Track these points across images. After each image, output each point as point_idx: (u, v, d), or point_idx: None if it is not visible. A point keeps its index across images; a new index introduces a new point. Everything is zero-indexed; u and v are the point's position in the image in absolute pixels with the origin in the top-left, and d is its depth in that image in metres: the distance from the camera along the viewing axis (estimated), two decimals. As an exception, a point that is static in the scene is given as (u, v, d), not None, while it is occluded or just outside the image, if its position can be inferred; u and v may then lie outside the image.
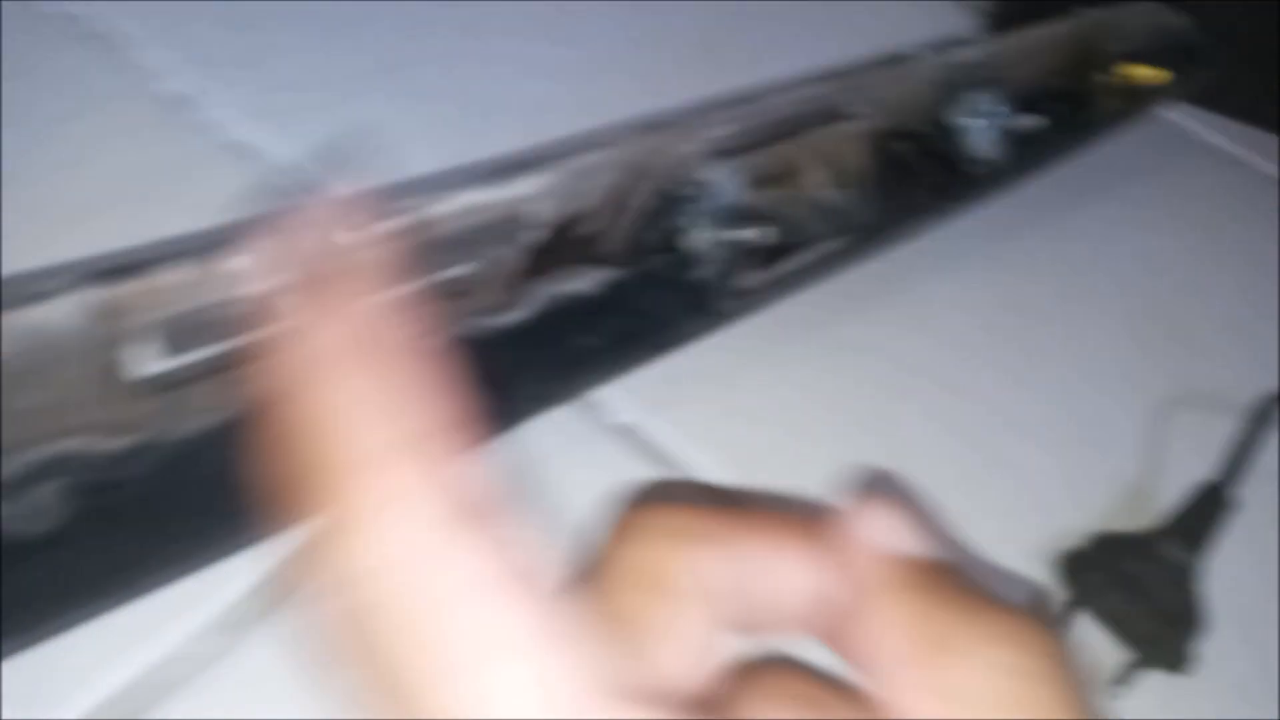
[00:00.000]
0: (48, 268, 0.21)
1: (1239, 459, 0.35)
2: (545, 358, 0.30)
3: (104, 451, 0.24)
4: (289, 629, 0.25)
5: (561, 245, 0.31)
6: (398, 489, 0.14)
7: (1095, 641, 0.31)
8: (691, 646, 0.16)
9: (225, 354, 0.25)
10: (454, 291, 0.30)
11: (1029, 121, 0.40)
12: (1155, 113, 0.51)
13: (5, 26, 0.36)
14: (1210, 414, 0.39)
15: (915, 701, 0.15)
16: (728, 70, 0.44)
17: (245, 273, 0.23)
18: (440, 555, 0.13)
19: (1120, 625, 0.30)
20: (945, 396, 0.37)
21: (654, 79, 0.44)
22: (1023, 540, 0.33)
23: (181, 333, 0.23)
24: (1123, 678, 0.29)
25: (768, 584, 0.17)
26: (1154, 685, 0.30)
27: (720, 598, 0.16)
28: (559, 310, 0.32)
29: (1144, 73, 0.46)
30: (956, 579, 0.16)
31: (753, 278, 0.33)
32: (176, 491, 0.24)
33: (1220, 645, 0.31)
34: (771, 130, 0.33)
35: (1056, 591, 0.31)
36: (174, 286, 0.22)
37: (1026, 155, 0.42)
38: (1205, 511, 0.33)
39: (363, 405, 0.14)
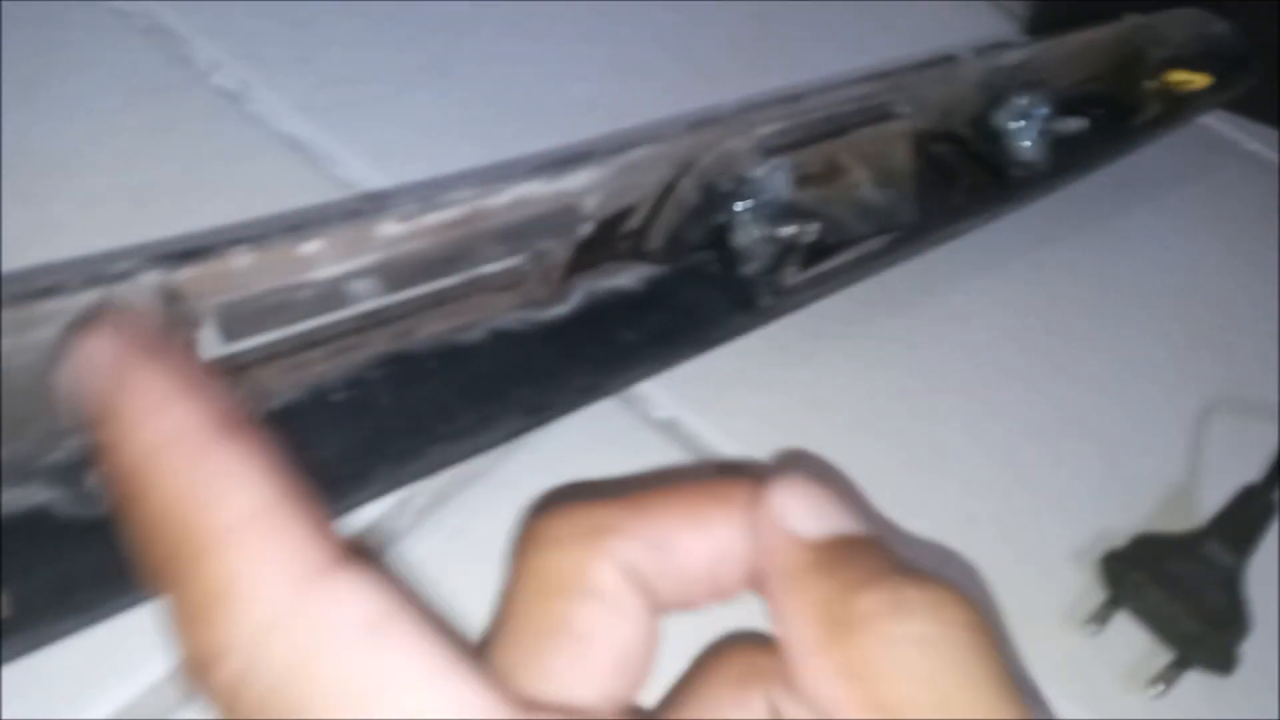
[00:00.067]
0: (115, 251, 0.22)
1: (1281, 463, 0.35)
2: (588, 352, 0.30)
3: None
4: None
5: (607, 240, 0.31)
6: (258, 557, 0.13)
7: (1136, 640, 0.31)
8: (631, 642, 0.16)
9: (280, 340, 0.26)
10: (502, 285, 0.30)
11: (1071, 125, 0.40)
12: (1195, 119, 0.51)
13: (65, 22, 0.37)
14: (1250, 419, 0.39)
15: (823, 684, 0.14)
16: (771, 71, 0.44)
17: (309, 258, 0.23)
18: (316, 612, 0.13)
19: (1162, 624, 0.30)
20: (986, 397, 0.37)
21: (700, 79, 0.44)
22: (1064, 541, 0.33)
23: (241, 318, 0.23)
24: (1166, 676, 0.29)
25: (693, 555, 0.16)
26: (1193, 685, 0.30)
27: (649, 583, 0.16)
28: (602, 305, 0.32)
29: (1185, 78, 0.46)
30: (872, 555, 0.15)
31: (796, 275, 0.33)
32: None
33: (1260, 646, 0.31)
34: (818, 129, 0.33)
35: (1098, 590, 0.31)
36: (238, 272, 0.22)
37: (1068, 159, 0.42)
38: (1248, 514, 0.33)
39: (206, 485, 0.14)
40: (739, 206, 0.32)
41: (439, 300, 0.29)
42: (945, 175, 0.40)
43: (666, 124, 0.30)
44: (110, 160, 0.33)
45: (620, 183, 0.29)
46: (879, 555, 0.16)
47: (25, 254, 0.30)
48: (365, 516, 0.27)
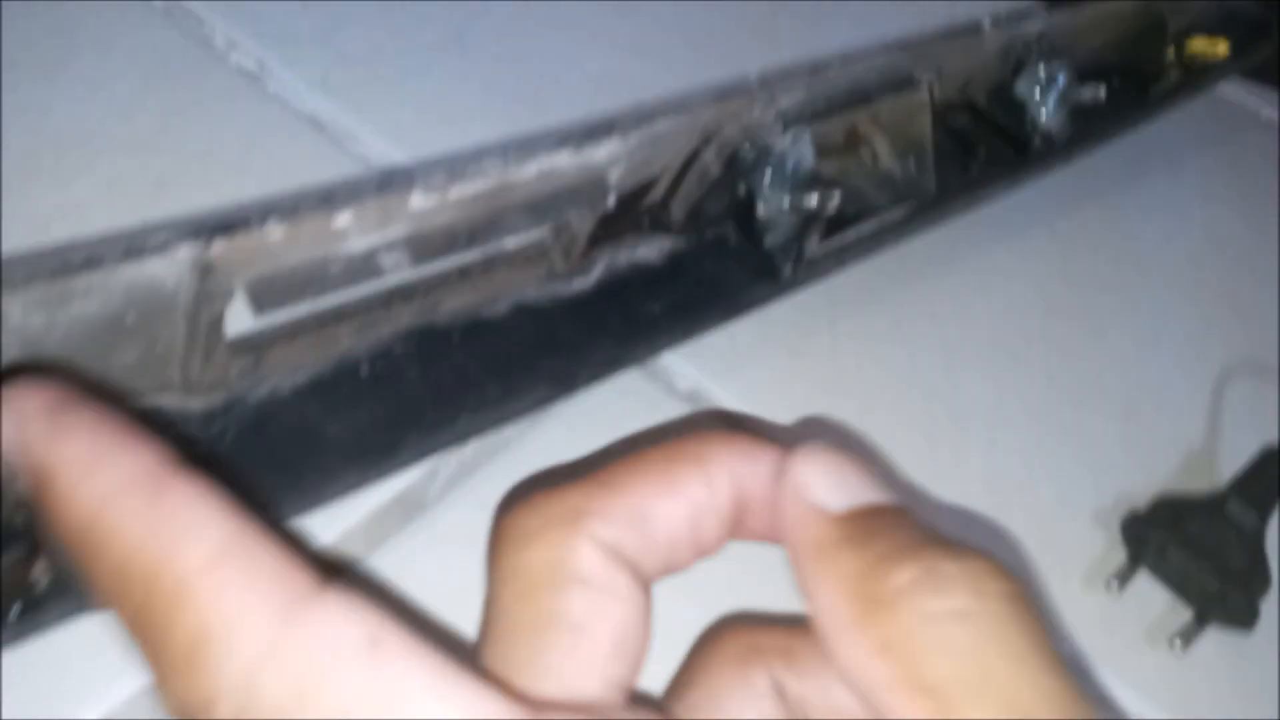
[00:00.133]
0: (150, 225, 0.22)
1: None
2: (611, 324, 0.31)
3: (190, 410, 0.25)
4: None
5: (628, 213, 0.31)
6: (236, 594, 0.13)
7: (1157, 599, 0.31)
8: (625, 621, 0.15)
9: (308, 315, 0.26)
10: (525, 259, 0.30)
11: (1091, 93, 0.40)
12: (1214, 88, 0.50)
13: (84, 4, 0.37)
14: (1268, 383, 0.39)
15: (860, 662, 0.14)
16: (789, 45, 0.44)
17: (340, 231, 0.23)
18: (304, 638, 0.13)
19: (1182, 583, 0.30)
20: (1007, 364, 0.37)
21: (717, 54, 0.44)
22: (1086, 504, 0.33)
23: (272, 291, 0.24)
24: (1187, 633, 0.30)
25: (671, 520, 0.16)
26: (1213, 642, 0.30)
27: (632, 557, 0.16)
28: (624, 278, 0.32)
29: (1205, 46, 0.46)
30: (902, 526, 0.15)
31: (817, 245, 0.33)
32: (255, 450, 0.25)
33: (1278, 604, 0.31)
34: (839, 99, 0.33)
35: (1120, 551, 0.32)
36: (271, 244, 0.23)
37: (1088, 128, 0.42)
38: (1268, 475, 0.33)
39: (166, 530, 0.13)
40: (761, 177, 0.32)
41: (463, 275, 0.29)
42: (965, 146, 0.40)
43: (689, 95, 0.30)
44: (132, 140, 0.33)
45: (644, 154, 0.29)
46: (910, 527, 0.15)
47: (52, 232, 0.30)
48: (394, 486, 0.27)
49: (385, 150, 0.36)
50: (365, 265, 0.24)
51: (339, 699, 0.13)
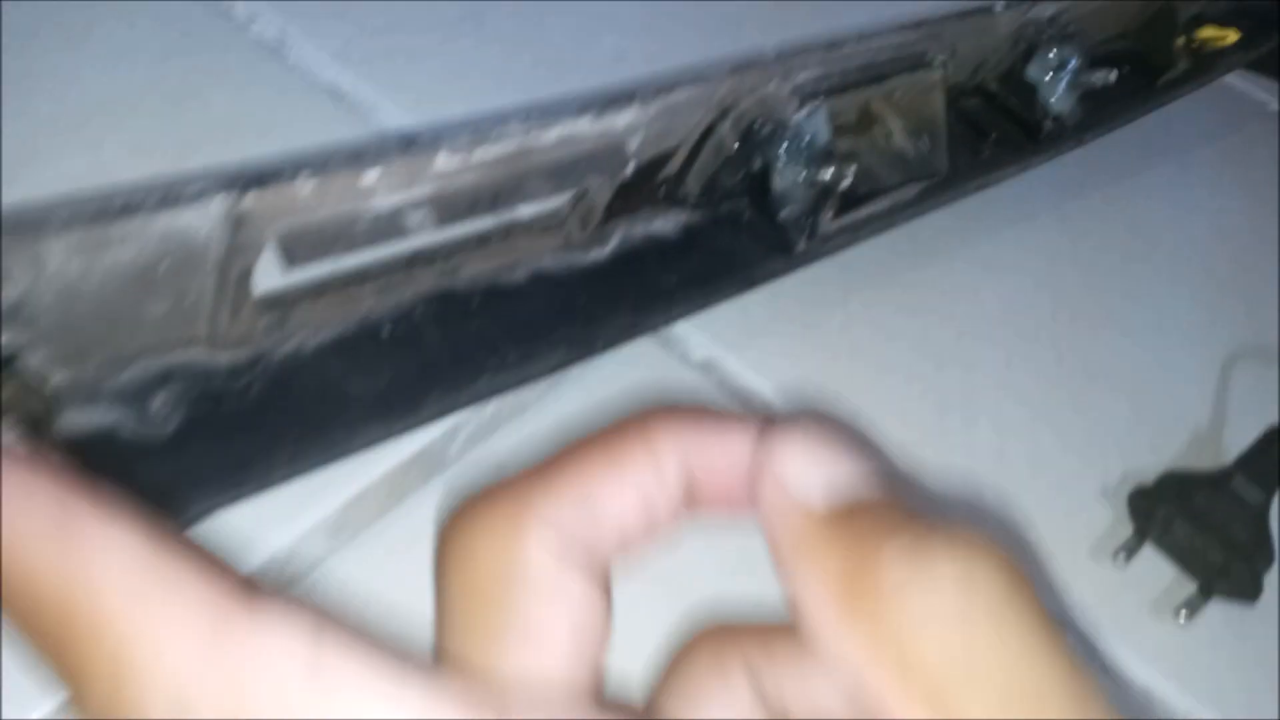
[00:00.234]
0: (185, 176, 0.22)
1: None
2: (627, 294, 0.31)
3: (219, 363, 0.25)
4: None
5: (644, 186, 0.31)
6: (160, 613, 0.12)
7: (1162, 572, 0.32)
8: (581, 613, 0.15)
9: (335, 275, 0.27)
10: (543, 228, 0.31)
11: (1101, 79, 0.41)
12: (1222, 78, 0.51)
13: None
14: (1273, 366, 0.39)
15: (848, 654, 0.14)
16: (804, 23, 0.44)
17: (368, 188, 0.24)
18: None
19: (1187, 557, 0.31)
20: (1017, 342, 0.37)
21: (732, 31, 0.45)
22: (1093, 480, 0.34)
23: (302, 245, 0.24)
24: (1191, 604, 0.30)
25: (620, 503, 0.15)
26: (1217, 613, 0.31)
27: (584, 546, 0.15)
28: (640, 250, 0.32)
29: (1214, 34, 0.47)
30: (887, 509, 0.14)
31: (831, 220, 0.34)
32: (280, 405, 0.25)
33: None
34: (854, 75, 0.34)
35: (1126, 525, 0.32)
36: (301, 198, 0.23)
37: (1098, 113, 0.42)
38: (1273, 452, 0.33)
39: (73, 558, 0.13)
40: (777, 151, 0.32)
41: (483, 241, 0.29)
42: (976, 128, 0.40)
43: (708, 67, 0.31)
44: (157, 107, 0.34)
45: (663, 124, 0.30)
46: (896, 510, 0.14)
47: (65, 196, 0.30)
48: (415, 444, 0.27)
49: (403, 120, 0.37)
50: (391, 223, 0.25)
51: (282, 711, 0.12)
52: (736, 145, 0.32)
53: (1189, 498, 0.31)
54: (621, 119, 0.29)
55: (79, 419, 0.23)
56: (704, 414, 0.16)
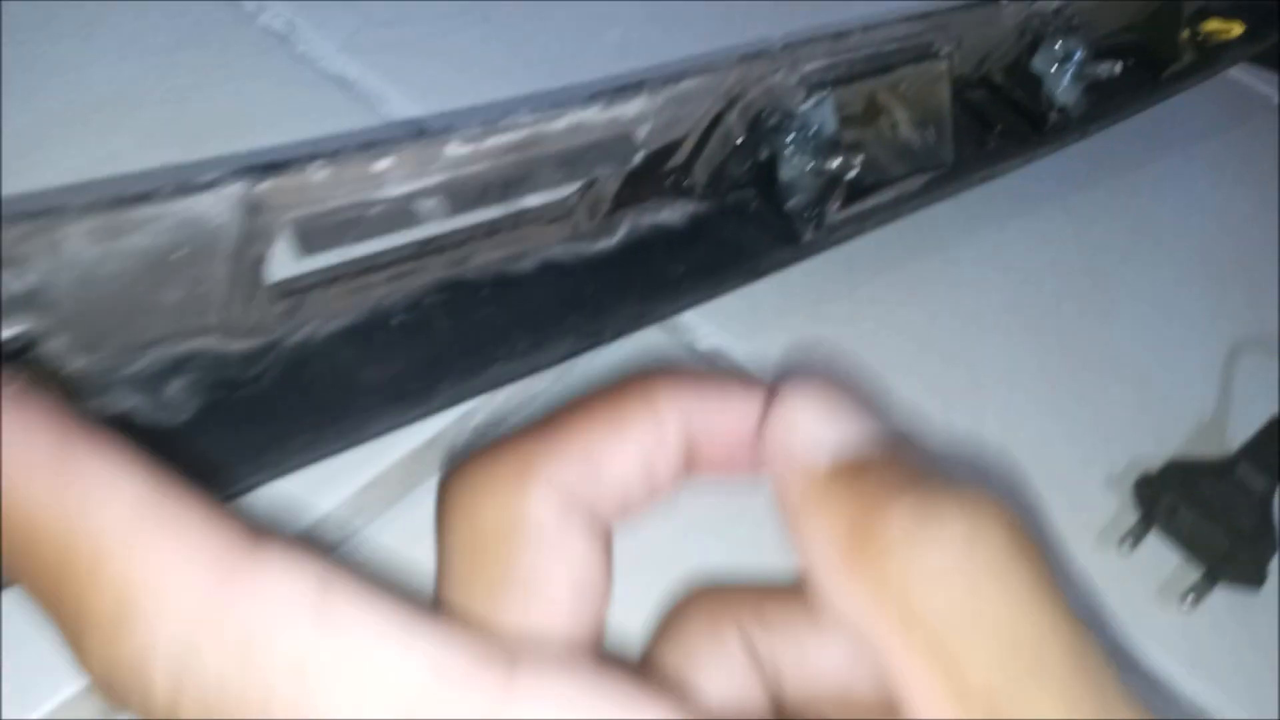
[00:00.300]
0: (201, 162, 0.22)
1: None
2: (635, 284, 0.31)
3: (233, 351, 0.25)
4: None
5: (651, 176, 0.32)
6: (164, 551, 0.12)
7: (1168, 559, 0.32)
8: (580, 569, 0.15)
9: (343, 264, 0.27)
10: (551, 218, 0.31)
11: (1106, 70, 0.41)
12: (1226, 71, 0.51)
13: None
14: (1274, 357, 0.39)
15: (853, 607, 0.14)
16: (810, 12, 0.45)
17: (381, 175, 0.24)
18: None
19: (1193, 543, 0.31)
20: (1022, 332, 0.37)
21: (735, 25, 0.45)
22: (1099, 468, 0.34)
23: (316, 233, 0.24)
24: (1197, 590, 0.30)
25: (623, 463, 0.15)
26: (1221, 600, 0.31)
27: (585, 504, 0.15)
28: (647, 240, 0.33)
29: (1219, 26, 0.47)
30: (894, 464, 0.14)
31: (838, 211, 0.34)
32: (293, 393, 0.26)
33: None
34: (861, 66, 0.34)
35: (1132, 512, 0.32)
36: (315, 186, 0.23)
37: (1103, 104, 0.42)
38: (1276, 442, 0.34)
39: (76, 491, 0.12)
40: (784, 141, 0.32)
41: (492, 231, 0.29)
42: (981, 120, 0.40)
43: (715, 57, 0.31)
44: (165, 97, 0.34)
45: (671, 113, 0.30)
46: (903, 465, 0.14)
47: (80, 184, 0.30)
48: (427, 431, 0.27)
49: (410, 111, 0.37)
50: (403, 212, 0.25)
51: (290, 654, 0.12)
52: (744, 135, 0.32)
53: (1194, 485, 0.31)
54: (630, 108, 0.29)
55: (95, 406, 0.23)
56: (707, 376, 0.16)
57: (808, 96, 0.32)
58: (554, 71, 0.40)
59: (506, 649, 0.12)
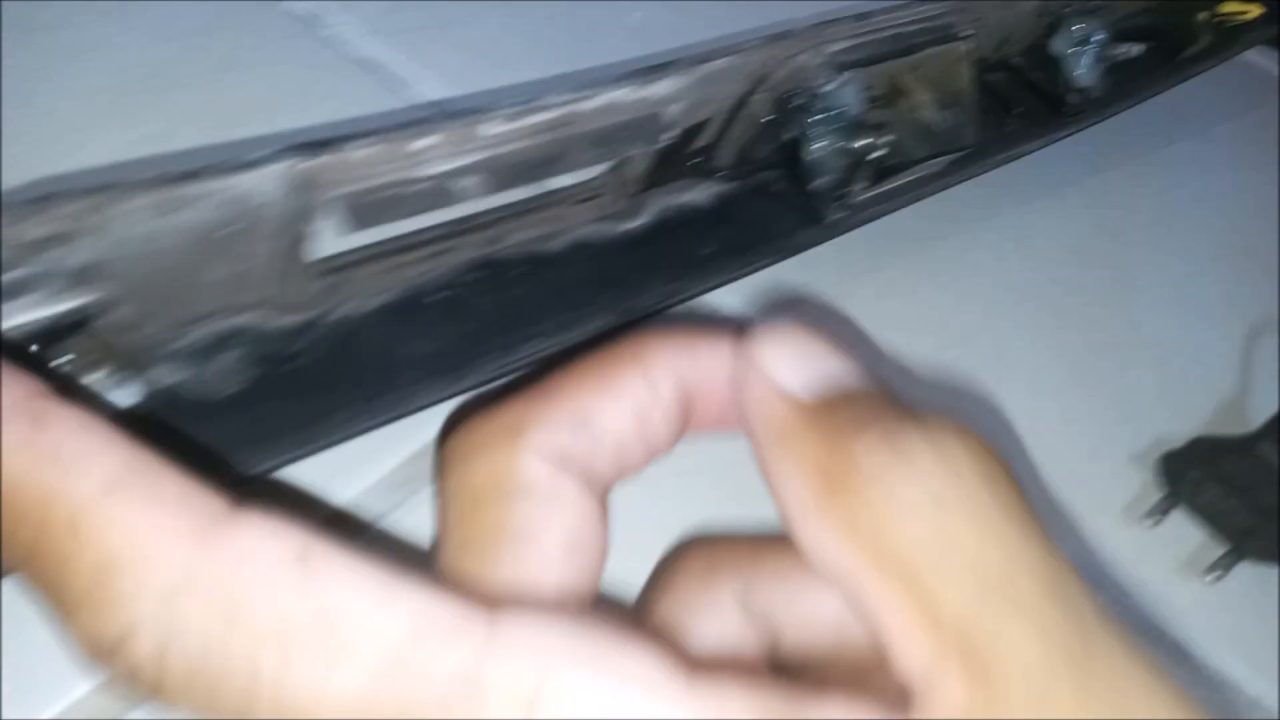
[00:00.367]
0: (249, 139, 0.23)
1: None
2: (663, 263, 0.32)
3: (277, 327, 0.26)
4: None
5: (678, 158, 0.32)
6: (145, 516, 0.12)
7: (1192, 534, 0.32)
8: (575, 527, 0.15)
9: (378, 243, 0.27)
10: (582, 198, 0.31)
11: (1125, 52, 0.41)
12: (1245, 52, 0.51)
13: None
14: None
15: (825, 545, 0.13)
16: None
17: (421, 153, 0.24)
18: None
19: (1217, 519, 0.31)
20: (1044, 313, 0.38)
21: (760, 4, 0.45)
22: (1124, 445, 0.34)
23: (360, 211, 0.25)
24: (1221, 565, 0.31)
25: (617, 422, 0.15)
26: (1245, 574, 0.32)
27: (580, 463, 0.15)
28: (675, 220, 0.33)
29: (1238, 8, 0.47)
30: (869, 402, 0.14)
31: (863, 190, 0.34)
32: (334, 368, 0.26)
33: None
34: (886, 47, 0.34)
35: (1156, 488, 0.33)
36: (359, 164, 0.23)
37: (1122, 86, 0.42)
38: (1300, 420, 0.34)
39: (55, 457, 0.12)
40: (810, 121, 0.32)
41: (524, 211, 0.30)
42: (1002, 101, 0.41)
43: (742, 38, 0.31)
44: (195, 81, 0.34)
45: (699, 93, 0.30)
46: (876, 399, 0.14)
47: (124, 163, 0.31)
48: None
49: (437, 93, 0.37)
50: (443, 190, 0.25)
51: (273, 617, 0.12)
52: (770, 116, 0.33)
53: (1218, 462, 0.32)
54: (659, 89, 0.29)
55: (144, 379, 0.24)
56: (699, 332, 0.16)
57: (833, 77, 0.33)
58: (578, 53, 0.40)
59: (488, 603, 0.12)
